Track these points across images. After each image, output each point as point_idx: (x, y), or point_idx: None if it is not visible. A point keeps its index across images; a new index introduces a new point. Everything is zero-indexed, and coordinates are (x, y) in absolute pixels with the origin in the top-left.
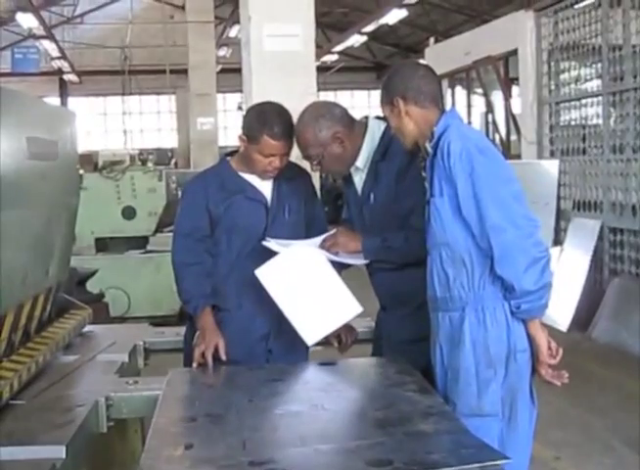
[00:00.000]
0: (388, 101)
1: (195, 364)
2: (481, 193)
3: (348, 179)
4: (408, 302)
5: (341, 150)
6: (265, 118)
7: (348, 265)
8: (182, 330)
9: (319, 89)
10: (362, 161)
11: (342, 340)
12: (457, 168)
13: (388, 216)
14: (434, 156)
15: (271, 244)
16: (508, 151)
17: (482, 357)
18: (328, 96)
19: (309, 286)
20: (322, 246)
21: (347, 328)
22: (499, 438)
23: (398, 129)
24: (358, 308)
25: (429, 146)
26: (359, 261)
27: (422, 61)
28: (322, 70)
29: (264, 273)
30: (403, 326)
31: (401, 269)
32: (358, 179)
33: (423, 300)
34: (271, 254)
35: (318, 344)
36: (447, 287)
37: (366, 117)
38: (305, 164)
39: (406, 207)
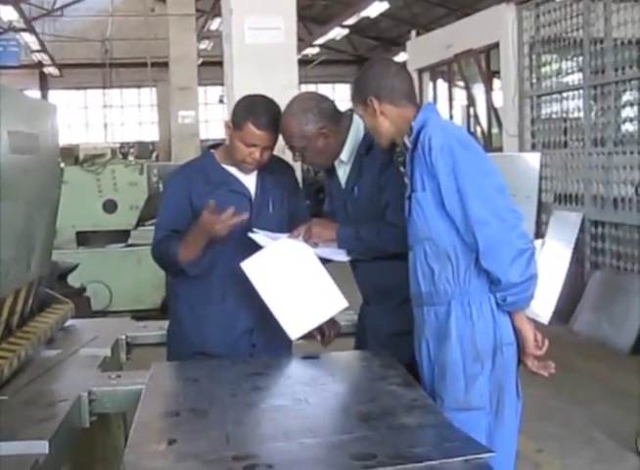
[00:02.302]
0: (360, 100)
1: (236, 218)
2: (465, 187)
3: (332, 172)
4: (392, 295)
5: (324, 144)
6: (253, 107)
7: (330, 260)
8: (165, 324)
9: (300, 82)
10: (347, 154)
11: (324, 333)
12: (439, 163)
13: (372, 210)
14: (413, 150)
15: (258, 236)
16: (489, 144)
17: (470, 352)
18: (309, 89)
19: (295, 280)
20: (294, 237)
21: (331, 322)
22: (487, 431)
23: (373, 128)
24: (344, 303)
25: (408, 141)
26: (342, 257)
27: (403, 54)
28: (303, 63)
29: (250, 266)
30: (387, 320)
31: (385, 262)
32: (342, 172)
33: (407, 293)
34: (255, 247)
35: (301, 337)
36: (432, 282)
37: (351, 110)
38: (289, 155)
39: (384, 201)
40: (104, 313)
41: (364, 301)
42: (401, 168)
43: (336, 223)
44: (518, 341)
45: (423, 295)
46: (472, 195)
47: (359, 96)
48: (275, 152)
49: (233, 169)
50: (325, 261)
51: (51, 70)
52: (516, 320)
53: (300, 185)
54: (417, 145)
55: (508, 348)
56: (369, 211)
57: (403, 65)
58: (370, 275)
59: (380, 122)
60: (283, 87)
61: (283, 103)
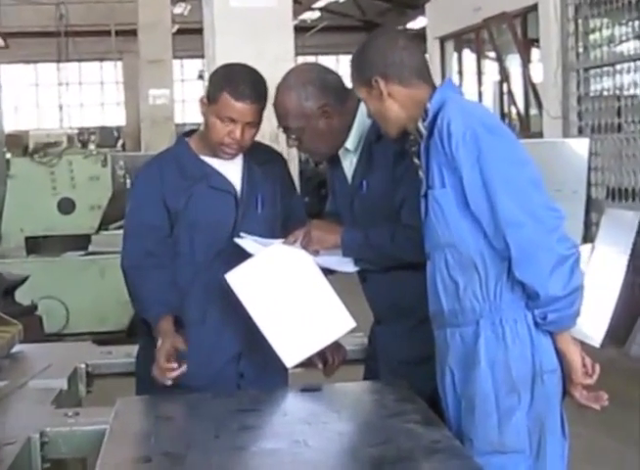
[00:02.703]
0: (363, 81)
1: (170, 374)
2: (493, 181)
3: (335, 163)
4: (409, 313)
5: (327, 127)
6: (230, 75)
7: (334, 271)
8: (133, 350)
9: (297, 53)
10: (353, 141)
11: (327, 360)
12: (461, 153)
13: (384, 210)
14: (429, 137)
15: (245, 242)
16: (527, 128)
17: (503, 381)
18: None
19: (291, 295)
20: (289, 243)
21: (335, 346)
22: None
23: (380, 114)
24: (351, 323)
25: (422, 126)
26: (349, 268)
27: (422, 19)
28: (301, 30)
29: (236, 278)
30: (403, 343)
31: (401, 273)
32: (348, 164)
33: (427, 311)
34: (244, 256)
35: (299, 365)
36: (456, 297)
37: None
38: (282, 144)
39: (399, 199)
40: (59, 337)
41: (375, 320)
42: (415, 160)
43: (340, 226)
44: (562, 367)
45: (445, 314)
46: (501, 190)
47: (361, 76)
48: (266, 140)
49: (213, 161)
50: (328, 272)
51: None
52: (559, 342)
53: (297, 179)
54: (434, 131)
55: (550, 376)
56: (381, 210)
57: (412, 36)
58: (383, 289)
59: (387, 107)
60: (276, 60)
61: (275, 79)
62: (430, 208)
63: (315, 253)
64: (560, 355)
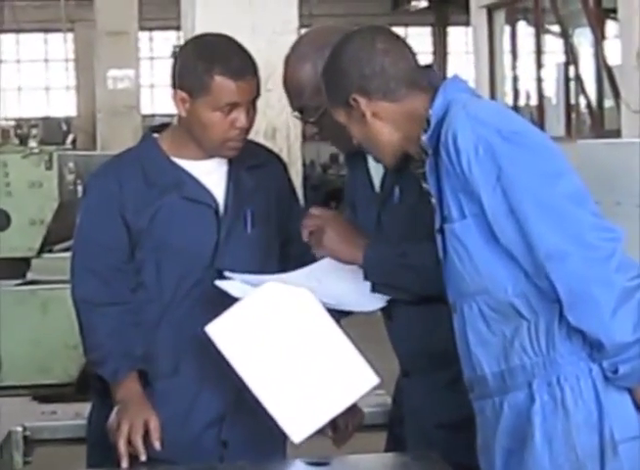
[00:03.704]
0: (339, 102)
1: (123, 463)
2: (521, 204)
3: (358, 163)
4: (449, 361)
5: None
6: (211, 52)
7: (349, 313)
8: (84, 408)
9: (302, 24)
10: None
11: (339, 425)
12: (475, 173)
13: (422, 227)
14: (436, 155)
15: (230, 284)
16: (600, 124)
17: (565, 458)
18: None
19: (293, 348)
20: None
21: (349, 407)
22: None
23: (368, 141)
24: (373, 379)
25: (425, 140)
26: (371, 304)
27: None
28: None
29: (220, 331)
30: (438, 401)
31: (439, 307)
32: (376, 164)
33: None
34: (226, 298)
35: None
36: (502, 356)
37: None
38: (280, 141)
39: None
40: None
41: (402, 371)
42: (424, 184)
43: (365, 236)
44: None
45: (488, 379)
46: (533, 214)
47: (336, 96)
48: (260, 137)
49: (190, 164)
50: (340, 315)
51: None
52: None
53: (300, 188)
54: (439, 147)
55: (627, 446)
56: (417, 227)
57: (393, 35)
58: (415, 329)
59: (375, 130)
60: (274, 31)
61: (274, 57)
62: (449, 246)
63: (320, 254)
64: None
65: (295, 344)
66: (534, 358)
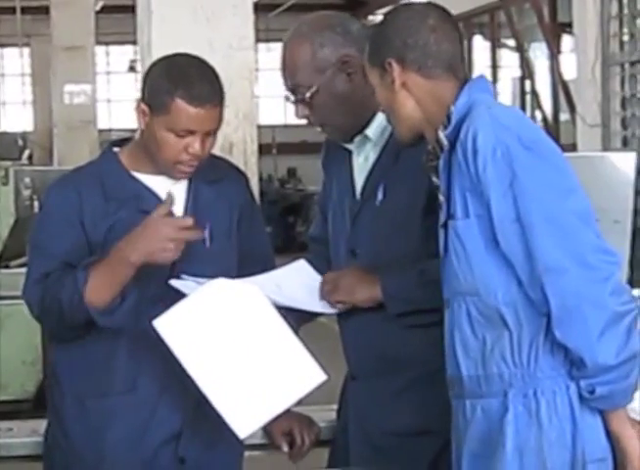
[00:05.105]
0: (376, 62)
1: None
2: (529, 213)
3: (339, 159)
4: (397, 368)
5: (347, 87)
6: (179, 73)
7: (315, 315)
8: (41, 425)
9: (258, 39)
10: (376, 128)
11: (295, 440)
12: (489, 175)
13: (402, 233)
14: (451, 151)
15: (183, 284)
16: (556, 137)
17: None
18: (272, 50)
19: (240, 343)
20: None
21: (305, 423)
22: None
23: (390, 108)
24: (320, 375)
25: (443, 135)
26: (329, 309)
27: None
28: (264, 8)
29: (167, 325)
30: (384, 408)
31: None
32: (362, 159)
33: (431, 364)
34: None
35: (258, 447)
36: (480, 361)
37: None
38: (235, 158)
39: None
40: None
41: (350, 374)
42: (434, 178)
43: (373, 273)
44: (615, 455)
45: (464, 381)
46: (540, 226)
47: (375, 56)
48: (217, 152)
49: (148, 179)
50: (311, 317)
51: None
52: (612, 423)
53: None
54: (456, 144)
55: (596, 466)
56: (398, 232)
57: (449, 17)
58: (366, 332)
59: (400, 100)
60: (229, 47)
61: (229, 73)
62: (449, 242)
63: (341, 306)
64: (612, 440)
65: (242, 339)
66: (513, 369)
